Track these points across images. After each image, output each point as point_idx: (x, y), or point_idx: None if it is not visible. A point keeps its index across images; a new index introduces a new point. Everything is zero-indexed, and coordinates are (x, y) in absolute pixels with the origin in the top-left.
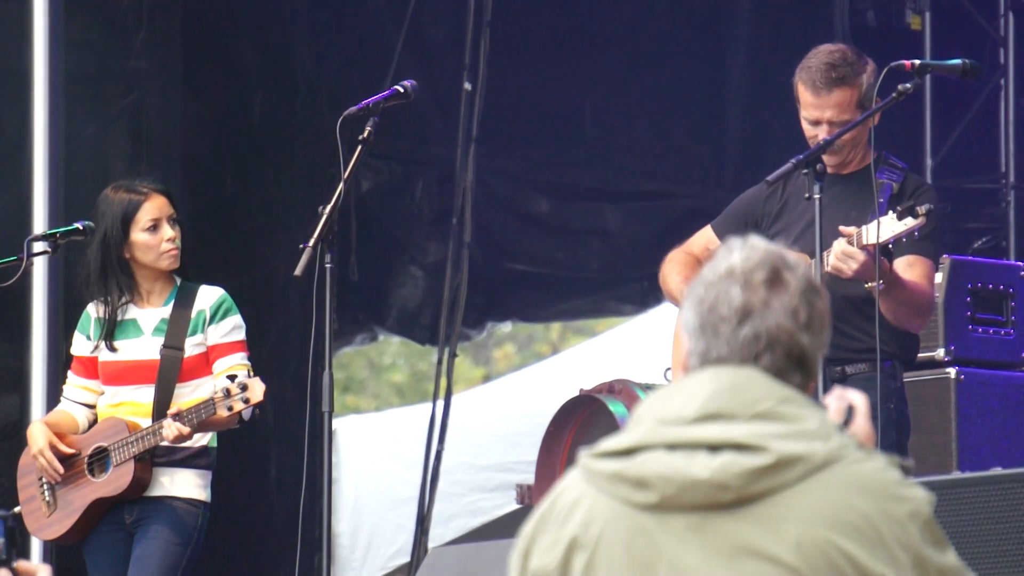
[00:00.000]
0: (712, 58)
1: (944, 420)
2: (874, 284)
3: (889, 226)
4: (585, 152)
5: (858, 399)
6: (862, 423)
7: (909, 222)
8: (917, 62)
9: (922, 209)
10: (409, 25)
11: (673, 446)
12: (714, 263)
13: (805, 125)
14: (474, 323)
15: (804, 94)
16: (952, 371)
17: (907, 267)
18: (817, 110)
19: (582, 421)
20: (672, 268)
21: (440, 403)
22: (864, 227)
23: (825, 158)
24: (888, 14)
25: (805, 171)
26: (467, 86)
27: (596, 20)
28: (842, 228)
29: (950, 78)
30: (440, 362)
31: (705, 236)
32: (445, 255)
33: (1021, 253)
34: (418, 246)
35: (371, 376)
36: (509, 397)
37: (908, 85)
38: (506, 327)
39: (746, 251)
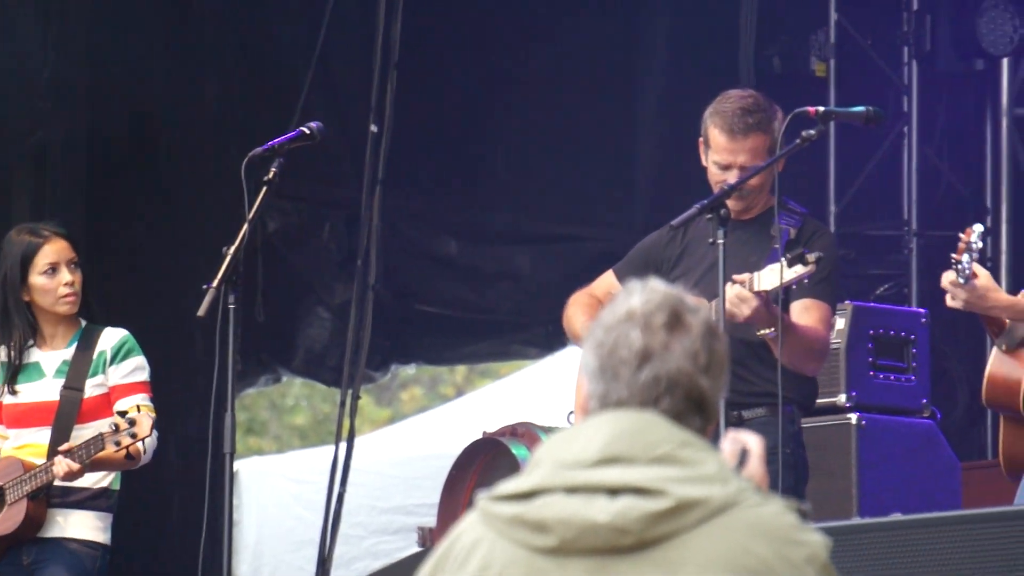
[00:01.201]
0: (623, 101)
1: (845, 466)
2: (767, 332)
3: (777, 272)
4: (495, 194)
5: (752, 442)
6: (756, 466)
7: (799, 269)
8: (821, 108)
9: (811, 256)
10: (317, 66)
11: (572, 489)
12: (614, 306)
13: (713, 169)
14: (378, 365)
15: (718, 138)
16: (853, 417)
17: (803, 311)
18: (731, 155)
19: (485, 464)
20: (576, 310)
21: (343, 445)
22: (756, 274)
23: (731, 204)
24: (793, 61)
25: (709, 216)
26: (373, 128)
27: (507, 61)
28: (735, 276)
29: (854, 125)
30: (343, 404)
31: (607, 280)
32: (352, 296)
33: (923, 300)
34: (325, 287)
35: (273, 417)
36: (412, 439)
37: (812, 131)
38: (410, 369)
39: (646, 294)
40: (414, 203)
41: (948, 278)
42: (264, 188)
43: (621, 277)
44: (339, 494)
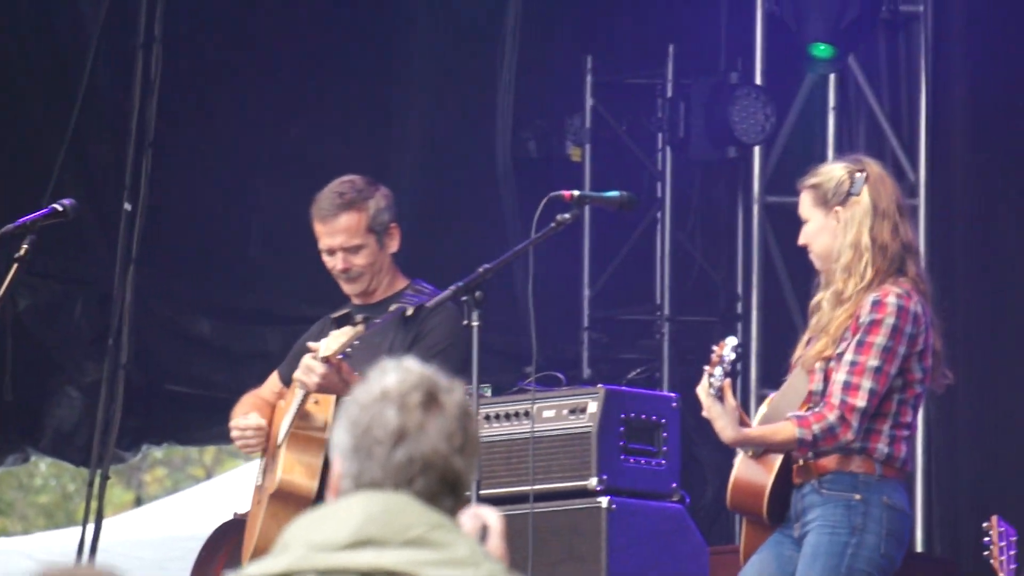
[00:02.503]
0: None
1: (595, 549)
2: None
3: (336, 338)
4: (249, 274)
5: (492, 518)
6: (496, 542)
7: (348, 331)
8: (576, 193)
9: (359, 318)
10: (70, 143)
11: (324, 573)
12: (368, 385)
13: (324, 258)
14: (129, 445)
15: (316, 226)
16: (604, 500)
17: None
18: (329, 237)
19: (234, 545)
20: (238, 409)
21: (91, 526)
22: (321, 341)
23: (348, 287)
24: (549, 145)
25: (464, 297)
26: (127, 206)
27: (265, 140)
28: (309, 344)
29: (608, 209)
30: (92, 484)
31: (272, 380)
32: (103, 375)
33: (674, 384)
34: (76, 366)
35: (20, 497)
36: (161, 521)
37: (567, 215)
38: (160, 450)
39: (401, 373)
40: (167, 282)
41: (702, 389)
42: (15, 265)
43: (282, 374)
44: None
